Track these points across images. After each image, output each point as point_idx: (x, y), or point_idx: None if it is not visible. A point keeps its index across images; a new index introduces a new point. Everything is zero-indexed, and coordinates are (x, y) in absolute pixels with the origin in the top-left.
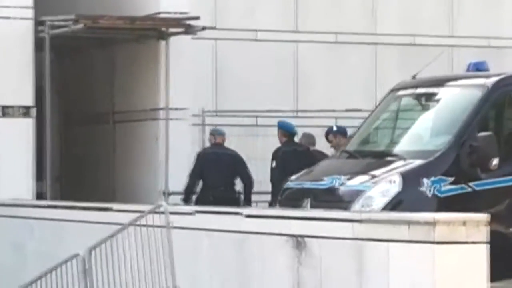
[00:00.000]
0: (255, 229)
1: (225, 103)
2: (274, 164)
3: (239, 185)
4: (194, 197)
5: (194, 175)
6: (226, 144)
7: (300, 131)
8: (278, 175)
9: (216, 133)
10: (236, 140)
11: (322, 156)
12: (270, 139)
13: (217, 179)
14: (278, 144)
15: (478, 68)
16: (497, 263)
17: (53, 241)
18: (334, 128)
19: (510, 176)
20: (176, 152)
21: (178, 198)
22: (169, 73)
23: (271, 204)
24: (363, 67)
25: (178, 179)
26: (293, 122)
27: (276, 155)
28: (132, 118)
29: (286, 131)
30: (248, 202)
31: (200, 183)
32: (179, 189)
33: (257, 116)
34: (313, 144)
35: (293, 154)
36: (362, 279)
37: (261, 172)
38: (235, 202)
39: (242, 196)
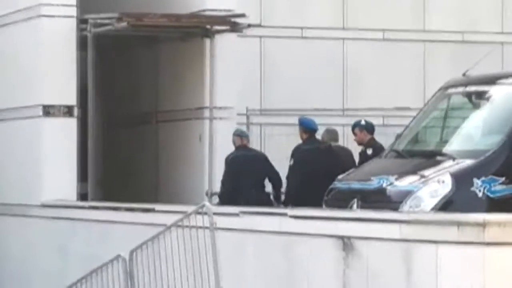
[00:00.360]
0: (301, 230)
1: (271, 102)
2: (292, 162)
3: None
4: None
5: (228, 181)
6: (276, 144)
7: (348, 131)
8: (297, 174)
9: (243, 135)
10: (282, 140)
11: (344, 152)
12: None
13: (249, 182)
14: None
15: None
16: None
17: (97, 242)
18: (362, 122)
19: None
20: (220, 152)
21: None
22: (214, 71)
23: (286, 204)
24: (412, 64)
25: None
26: (341, 121)
27: (296, 153)
28: (176, 117)
29: (306, 128)
30: (278, 201)
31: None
32: None
33: (303, 115)
34: (336, 140)
35: (315, 152)
36: (410, 281)
37: None
38: (267, 203)
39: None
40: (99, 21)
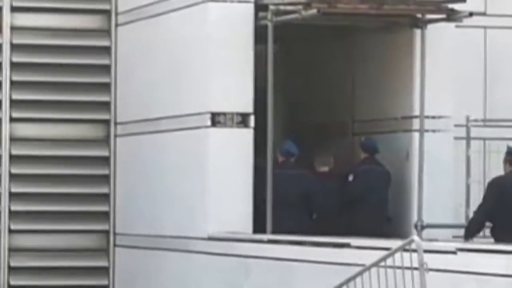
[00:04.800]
0: None
1: (497, 110)
2: None
3: None
4: None
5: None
6: (501, 163)
7: None
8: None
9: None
10: None
11: (325, 178)
12: None
13: None
14: None
15: None
16: None
17: (275, 285)
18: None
19: None
20: (432, 173)
21: (435, 232)
22: (425, 71)
23: None
24: None
25: (436, 207)
26: None
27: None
28: (378, 129)
29: (283, 151)
30: None
31: None
32: (438, 221)
33: None
34: (327, 164)
35: (283, 177)
36: None
37: None
38: None
39: None
40: (282, 7)
